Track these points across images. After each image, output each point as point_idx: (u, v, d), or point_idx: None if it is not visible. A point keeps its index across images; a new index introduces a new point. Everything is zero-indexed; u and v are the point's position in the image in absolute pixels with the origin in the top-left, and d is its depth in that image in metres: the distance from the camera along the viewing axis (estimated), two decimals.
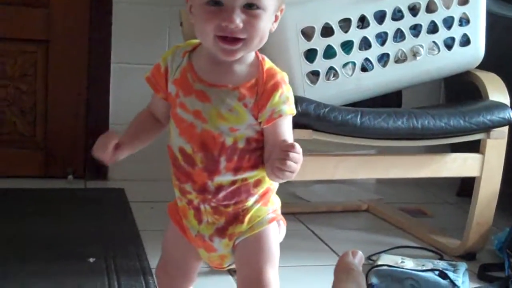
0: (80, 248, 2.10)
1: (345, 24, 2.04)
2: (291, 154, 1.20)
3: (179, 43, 1.38)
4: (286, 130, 1.28)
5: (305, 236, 2.43)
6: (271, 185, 1.34)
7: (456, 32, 2.20)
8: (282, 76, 1.28)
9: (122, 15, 2.91)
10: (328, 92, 2.03)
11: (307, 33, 1.99)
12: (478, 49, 2.24)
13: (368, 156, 2.23)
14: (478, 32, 2.23)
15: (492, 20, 2.42)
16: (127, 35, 2.92)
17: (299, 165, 1.22)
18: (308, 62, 1.99)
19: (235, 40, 1.21)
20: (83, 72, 2.93)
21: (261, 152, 1.29)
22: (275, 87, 1.26)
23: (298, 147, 1.21)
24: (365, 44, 2.08)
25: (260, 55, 1.30)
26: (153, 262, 2.01)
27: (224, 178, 1.28)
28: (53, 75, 2.92)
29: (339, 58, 2.04)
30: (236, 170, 1.28)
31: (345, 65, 2.06)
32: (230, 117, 1.26)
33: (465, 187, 2.86)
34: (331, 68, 2.04)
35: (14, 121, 2.92)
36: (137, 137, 1.36)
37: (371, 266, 1.98)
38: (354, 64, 2.08)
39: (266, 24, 1.24)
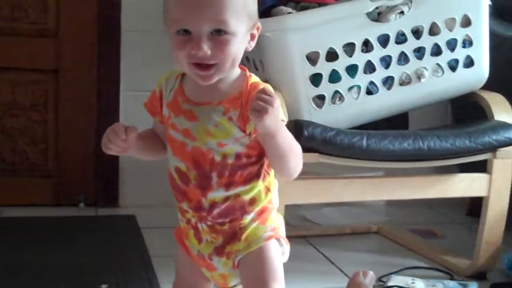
0: (92, 275, 2.12)
1: (349, 48, 2.07)
2: (261, 96, 1.20)
3: None
4: None
5: (316, 259, 2.44)
6: (269, 203, 1.35)
7: (460, 53, 2.22)
8: (265, 86, 1.30)
9: (131, 43, 2.94)
10: (334, 116, 2.05)
11: (312, 58, 2.02)
12: (482, 70, 2.26)
13: (375, 178, 2.25)
14: (481, 53, 2.25)
15: (497, 41, 2.44)
16: (136, 62, 2.94)
17: (273, 103, 1.19)
18: (313, 87, 2.02)
19: (208, 66, 1.25)
20: (93, 101, 2.97)
21: (253, 168, 1.31)
22: None
23: (267, 89, 1.23)
24: (370, 67, 2.10)
25: (247, 72, 1.33)
26: (165, 287, 2.03)
27: (217, 194, 1.31)
28: (64, 104, 2.95)
29: (344, 82, 2.06)
30: (228, 185, 1.30)
31: (350, 88, 2.09)
32: (217, 132, 1.29)
33: (475, 207, 2.86)
34: (336, 92, 2.06)
35: (25, 150, 2.95)
36: (144, 141, 1.38)
37: None
38: (359, 87, 2.10)
39: (238, 47, 1.26)
